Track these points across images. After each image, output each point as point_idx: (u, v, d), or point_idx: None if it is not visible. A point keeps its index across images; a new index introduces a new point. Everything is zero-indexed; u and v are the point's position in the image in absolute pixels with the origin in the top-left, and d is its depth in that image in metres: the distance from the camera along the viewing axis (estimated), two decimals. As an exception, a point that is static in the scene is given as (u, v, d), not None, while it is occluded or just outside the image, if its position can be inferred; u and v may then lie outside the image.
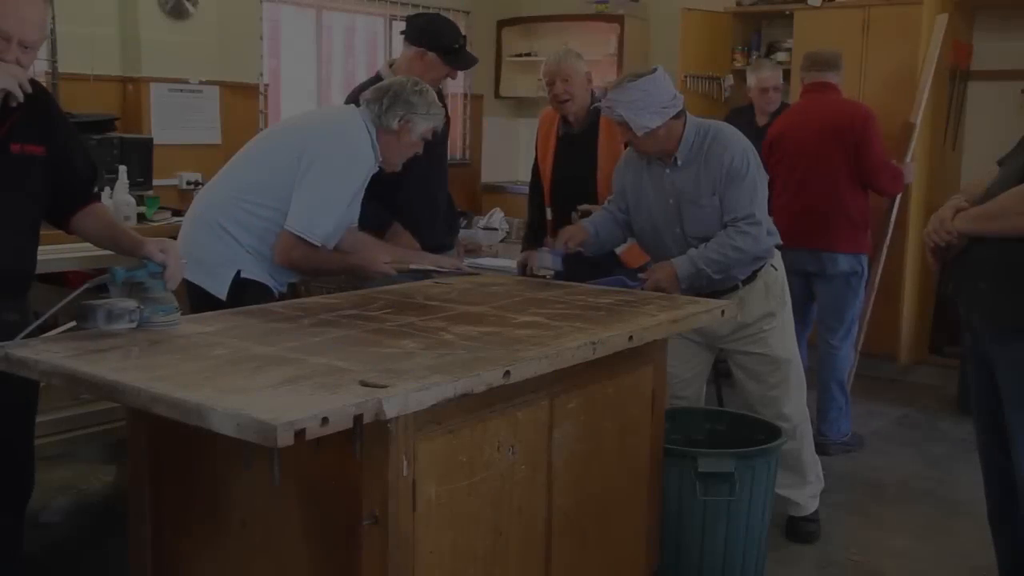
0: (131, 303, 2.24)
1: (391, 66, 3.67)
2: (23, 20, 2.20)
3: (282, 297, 3.08)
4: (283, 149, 3.00)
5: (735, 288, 3.23)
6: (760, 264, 3.24)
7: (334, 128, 3.05)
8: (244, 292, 2.93)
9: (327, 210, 2.90)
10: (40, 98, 2.40)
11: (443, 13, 4.03)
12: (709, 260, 3.06)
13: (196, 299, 2.97)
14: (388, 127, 2.99)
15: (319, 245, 2.92)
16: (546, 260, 3.19)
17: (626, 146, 3.59)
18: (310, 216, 2.88)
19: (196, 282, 2.92)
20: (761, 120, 5.38)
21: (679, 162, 3.15)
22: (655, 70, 3.10)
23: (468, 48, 3.73)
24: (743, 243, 3.06)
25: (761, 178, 3.15)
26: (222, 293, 2.94)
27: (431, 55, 3.55)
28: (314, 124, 3.18)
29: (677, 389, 3.33)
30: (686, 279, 3.09)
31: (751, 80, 5.49)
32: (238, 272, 2.96)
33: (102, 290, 2.32)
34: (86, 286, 2.29)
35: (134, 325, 2.23)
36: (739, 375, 3.38)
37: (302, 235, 2.88)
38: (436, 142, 3.55)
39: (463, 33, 3.71)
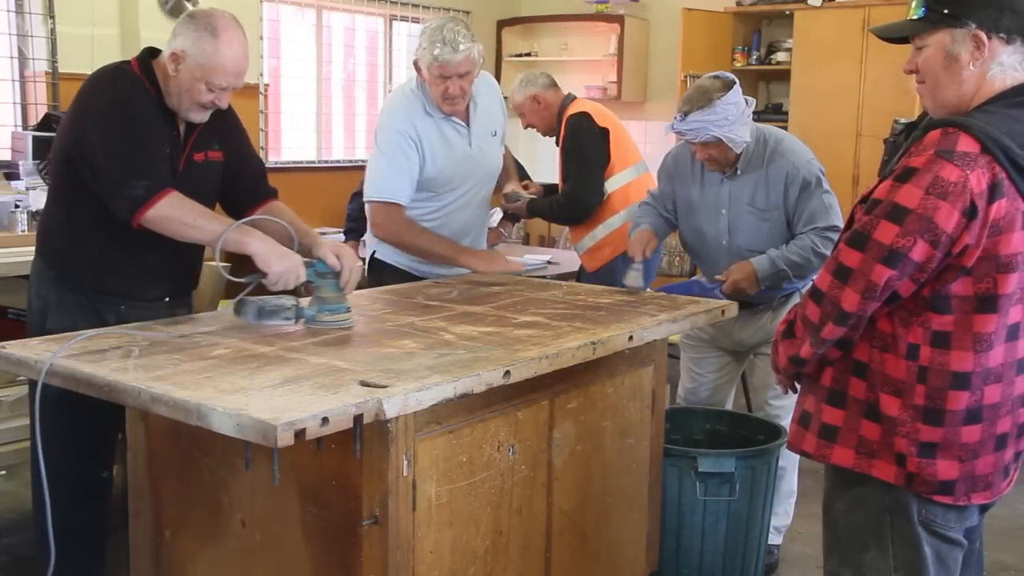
0: (288, 300, 2.29)
1: None
2: (242, 74, 2.46)
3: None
4: None
5: (792, 294, 3.15)
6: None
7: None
8: (379, 272, 3.30)
9: (376, 171, 3.14)
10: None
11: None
12: (790, 262, 2.97)
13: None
14: (418, 71, 3.11)
15: (394, 203, 3.11)
16: (637, 279, 2.97)
17: (559, 143, 3.98)
18: (370, 180, 3.17)
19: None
20: None
21: (739, 171, 3.05)
22: (732, 80, 3.00)
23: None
24: (827, 250, 2.90)
25: (830, 187, 3.03)
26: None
27: None
28: None
29: (707, 394, 3.34)
30: (766, 279, 3.00)
31: None
32: (373, 253, 3.33)
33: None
34: (247, 280, 2.36)
35: (291, 322, 2.29)
36: (754, 383, 3.35)
37: (368, 198, 3.16)
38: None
39: None
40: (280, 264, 2.31)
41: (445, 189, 3.20)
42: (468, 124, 3.21)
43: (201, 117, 2.49)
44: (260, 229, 2.47)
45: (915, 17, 1.84)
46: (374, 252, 3.31)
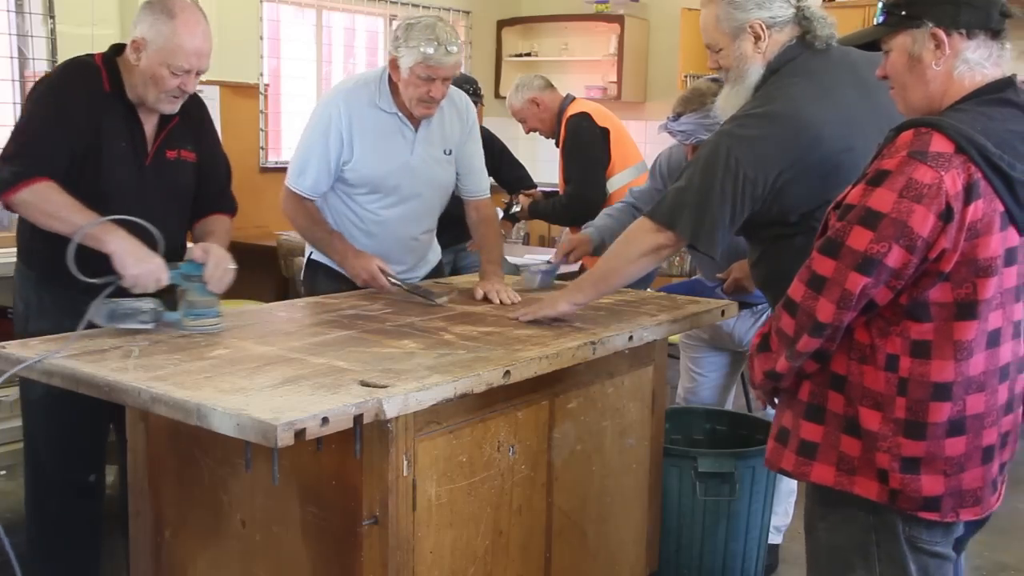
0: (147, 304, 2.21)
1: None
2: (204, 55, 2.42)
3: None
4: None
5: None
6: None
7: None
8: (313, 273, 3.11)
9: (294, 155, 2.95)
10: (195, 106, 2.57)
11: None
12: None
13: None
14: (393, 68, 2.83)
15: (302, 195, 2.90)
16: (533, 281, 2.99)
17: (559, 144, 4.09)
18: (292, 166, 2.94)
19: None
20: None
21: None
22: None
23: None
24: None
25: None
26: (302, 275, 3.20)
27: None
28: None
29: (707, 394, 3.34)
30: None
31: None
32: (310, 254, 3.12)
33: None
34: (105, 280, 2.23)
35: (148, 326, 2.20)
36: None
37: (286, 184, 2.93)
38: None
39: (472, 82, 4.21)
40: (137, 267, 2.23)
41: (371, 191, 2.95)
42: (416, 130, 2.94)
43: (172, 108, 2.45)
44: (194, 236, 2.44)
45: (877, 22, 1.82)
46: (311, 253, 3.10)
